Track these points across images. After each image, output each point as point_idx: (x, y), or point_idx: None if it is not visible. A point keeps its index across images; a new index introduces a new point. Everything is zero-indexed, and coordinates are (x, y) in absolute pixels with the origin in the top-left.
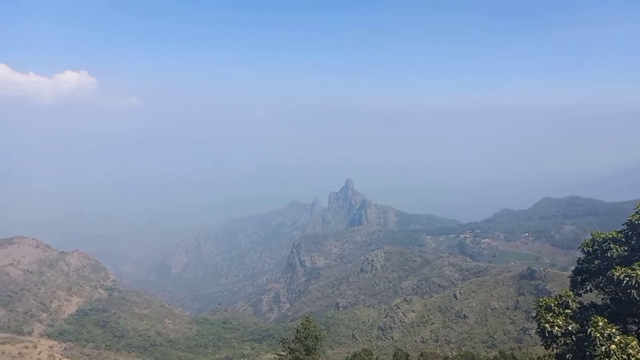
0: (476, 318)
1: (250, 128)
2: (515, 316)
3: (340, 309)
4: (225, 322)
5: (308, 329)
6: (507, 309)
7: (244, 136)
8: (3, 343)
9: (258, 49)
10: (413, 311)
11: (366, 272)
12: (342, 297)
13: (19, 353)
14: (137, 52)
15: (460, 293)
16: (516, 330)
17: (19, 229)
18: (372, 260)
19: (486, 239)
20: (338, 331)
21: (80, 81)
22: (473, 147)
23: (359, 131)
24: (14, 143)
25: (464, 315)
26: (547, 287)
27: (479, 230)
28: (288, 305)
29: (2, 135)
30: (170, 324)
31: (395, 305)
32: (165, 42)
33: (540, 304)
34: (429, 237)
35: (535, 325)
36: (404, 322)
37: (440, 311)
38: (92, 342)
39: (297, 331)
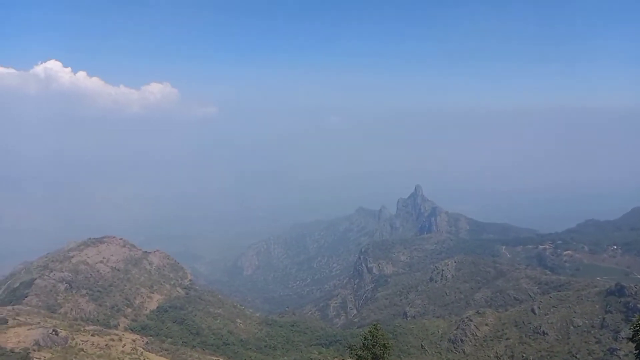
0: (557, 335)
1: (321, 134)
2: (601, 335)
3: (409, 318)
4: (293, 325)
5: (376, 336)
6: (592, 327)
7: (314, 142)
8: (93, 335)
9: (328, 55)
10: (486, 324)
11: (436, 282)
12: (411, 306)
13: (106, 345)
14: (215, 63)
15: (539, 308)
16: (602, 351)
17: (109, 229)
18: (443, 270)
19: (568, 251)
20: (406, 341)
21: (163, 92)
22: (551, 149)
23: (427, 135)
24: (109, 150)
25: (543, 332)
26: (638, 305)
27: (560, 242)
28: (355, 312)
29: (100, 143)
30: (241, 324)
31: (467, 317)
32: (241, 52)
33: (638, 323)
34: (503, 247)
35: (625, 345)
36: (476, 335)
37: (516, 326)
38: (170, 337)
39: (365, 338)
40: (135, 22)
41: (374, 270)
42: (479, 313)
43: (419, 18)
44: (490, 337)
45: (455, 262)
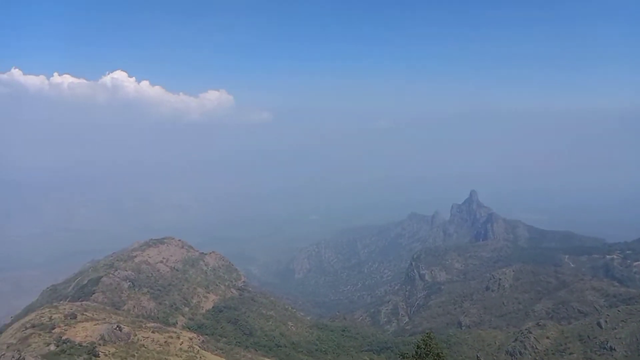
0: (626, 352)
1: (370, 137)
2: None
3: (463, 328)
4: (344, 330)
5: (429, 345)
6: None
7: (365, 145)
8: (153, 332)
9: (377, 59)
10: (547, 337)
11: (492, 291)
12: (465, 316)
13: (165, 341)
14: (269, 69)
15: (606, 322)
16: None
17: (169, 230)
18: (500, 279)
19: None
20: (460, 351)
21: (220, 99)
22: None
23: (476, 136)
24: (170, 155)
25: (610, 347)
26: None
27: (629, 251)
28: (407, 319)
29: (161, 148)
30: (293, 327)
31: (526, 329)
32: (293, 59)
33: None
34: (566, 256)
35: None
36: (536, 348)
37: (580, 340)
38: (225, 337)
39: (418, 347)
40: (193, 32)
41: (427, 277)
42: (540, 325)
43: (469, 18)
44: (551, 350)
45: (513, 271)
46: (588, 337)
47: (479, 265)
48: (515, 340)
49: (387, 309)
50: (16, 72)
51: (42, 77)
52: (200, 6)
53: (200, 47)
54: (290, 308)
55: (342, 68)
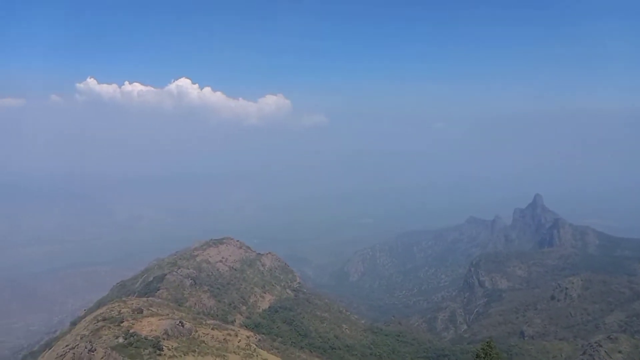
0: None
1: (427, 140)
2: None
3: (526, 338)
4: (399, 335)
5: (490, 355)
6: None
7: (421, 148)
8: (213, 329)
9: (435, 62)
10: (620, 352)
11: (558, 300)
12: (528, 325)
13: (224, 339)
14: (325, 73)
15: None
16: None
17: (228, 230)
18: (567, 288)
19: None
20: None
21: (278, 103)
22: None
23: (534, 139)
24: (230, 159)
25: None
26: None
27: None
28: (465, 327)
29: (222, 152)
30: (347, 330)
31: (596, 342)
32: (350, 62)
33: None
34: None
35: None
36: None
37: None
38: (281, 337)
39: (477, 356)
40: (252, 39)
41: (487, 284)
42: (611, 338)
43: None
44: None
45: (582, 280)
46: None
47: (543, 273)
48: (584, 353)
49: (444, 316)
50: (91, 82)
51: (114, 86)
52: (261, 10)
53: (259, 52)
54: (344, 311)
55: (398, 70)
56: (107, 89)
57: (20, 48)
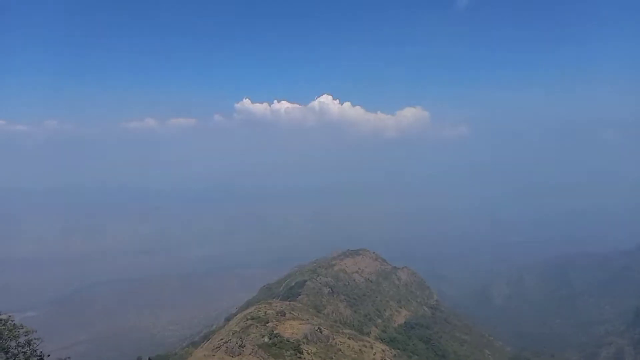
0: None
1: (590, 153)
2: None
3: None
4: None
5: None
6: None
7: (578, 165)
8: (349, 338)
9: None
10: None
11: None
12: None
13: (359, 349)
14: (465, 84)
15: None
16: None
17: (364, 242)
18: None
19: None
20: None
21: (416, 115)
22: None
23: None
24: (370, 171)
25: None
26: None
27: None
28: None
29: (363, 165)
30: (490, 356)
31: None
32: (488, 73)
33: None
34: None
35: None
36: None
37: None
38: (417, 355)
39: None
40: (387, 52)
41: None
42: None
43: None
44: None
45: None
46: None
47: None
48: None
49: (608, 352)
50: (247, 102)
51: (265, 105)
52: (395, 28)
53: (395, 65)
54: (487, 335)
55: (542, 76)
56: (259, 108)
57: (183, 70)
